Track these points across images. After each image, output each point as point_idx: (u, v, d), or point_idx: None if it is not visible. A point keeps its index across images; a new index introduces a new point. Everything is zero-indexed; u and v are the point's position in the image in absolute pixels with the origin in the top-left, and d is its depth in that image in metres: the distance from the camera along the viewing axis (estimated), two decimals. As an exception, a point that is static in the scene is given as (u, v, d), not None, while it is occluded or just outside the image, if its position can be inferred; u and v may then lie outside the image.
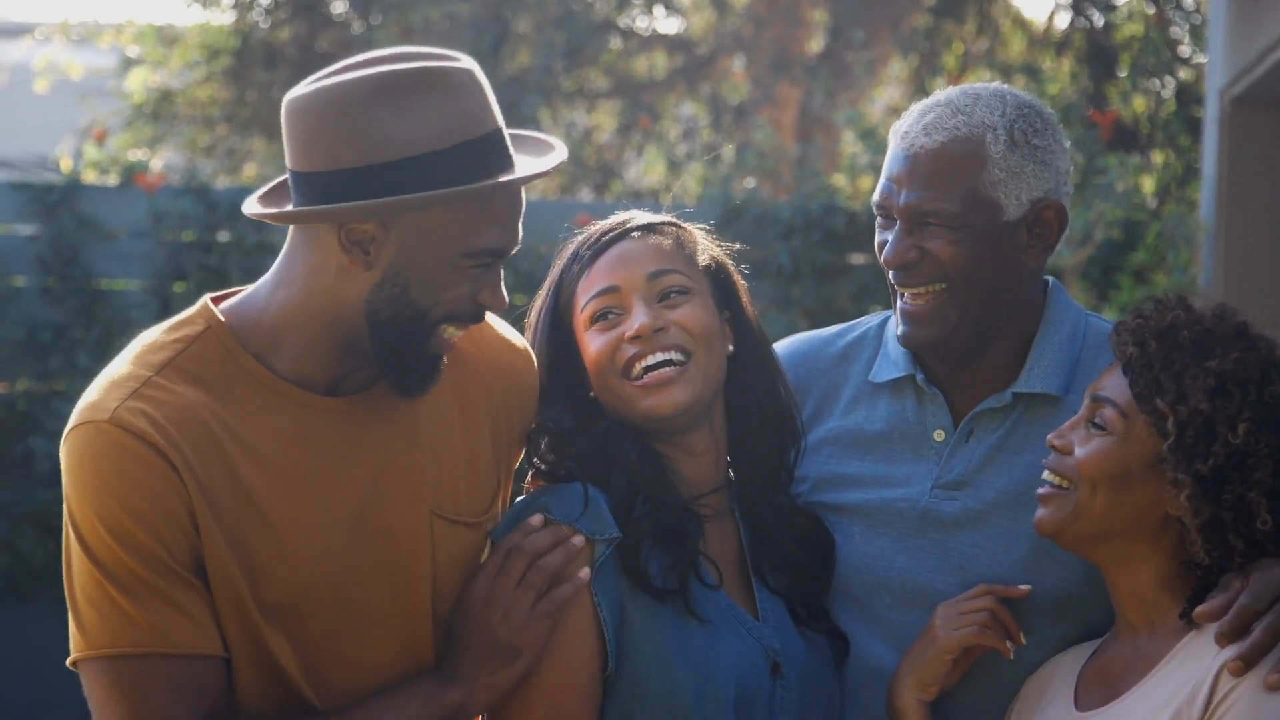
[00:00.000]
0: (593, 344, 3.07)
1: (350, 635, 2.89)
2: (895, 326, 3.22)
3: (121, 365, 2.84)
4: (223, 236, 8.87)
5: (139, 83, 13.80)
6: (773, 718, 3.05)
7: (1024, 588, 3.04)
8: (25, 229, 8.90)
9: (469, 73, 2.82)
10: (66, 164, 9.29)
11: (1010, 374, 3.20)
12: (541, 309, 3.15)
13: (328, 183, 2.77)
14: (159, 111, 13.56)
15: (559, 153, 2.93)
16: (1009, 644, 3.02)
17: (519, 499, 3.09)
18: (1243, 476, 2.79)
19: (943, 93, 3.21)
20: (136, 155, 11.62)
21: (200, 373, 2.82)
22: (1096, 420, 2.89)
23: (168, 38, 13.88)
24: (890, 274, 3.17)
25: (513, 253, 2.88)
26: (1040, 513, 2.93)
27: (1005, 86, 3.21)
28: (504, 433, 3.10)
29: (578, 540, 2.96)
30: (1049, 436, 2.97)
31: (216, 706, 2.78)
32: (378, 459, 2.92)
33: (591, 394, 3.12)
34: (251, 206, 2.88)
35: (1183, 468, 2.80)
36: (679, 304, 3.07)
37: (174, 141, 13.70)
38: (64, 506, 2.80)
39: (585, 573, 2.96)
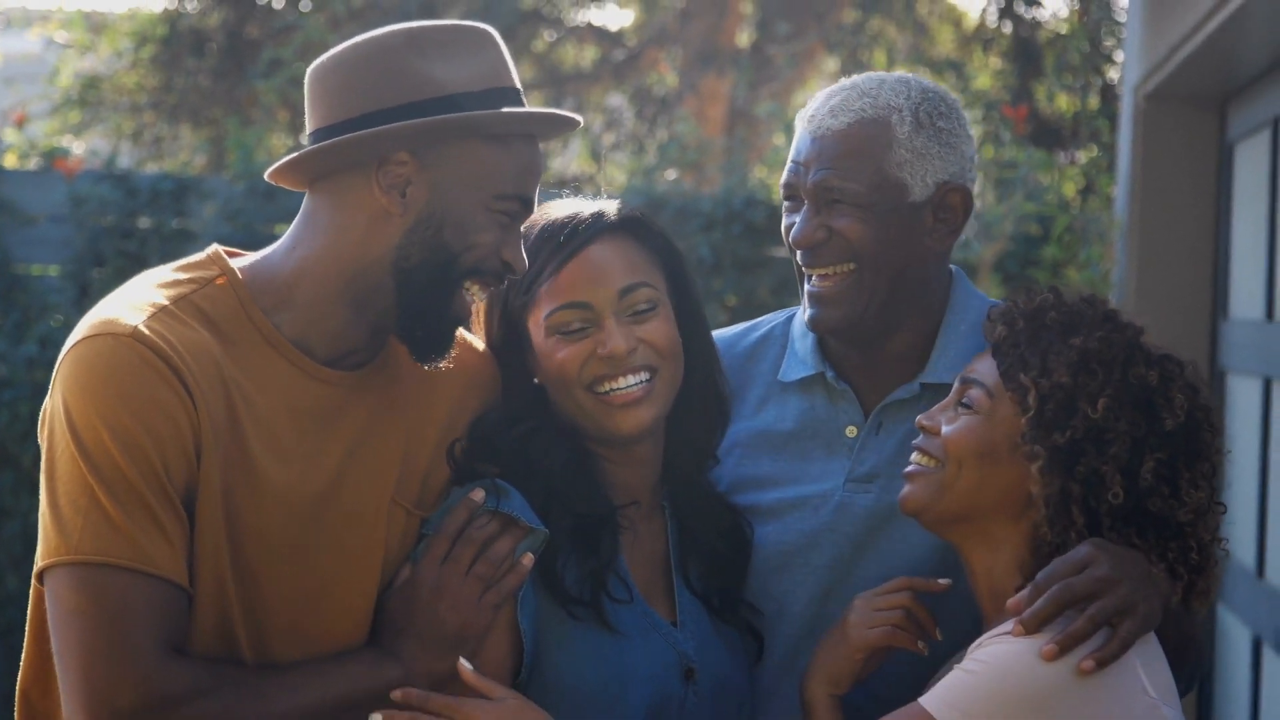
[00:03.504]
0: (557, 353, 3.04)
1: (300, 604, 2.90)
2: (803, 311, 3.23)
3: (135, 292, 2.86)
4: (143, 222, 8.82)
5: (66, 68, 13.73)
6: None
7: (943, 581, 3.04)
8: (-57, 213, 8.85)
9: (493, 35, 2.94)
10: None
11: (917, 364, 3.23)
12: (494, 301, 3.11)
13: (365, 122, 2.85)
14: (86, 98, 13.49)
15: (578, 119, 3.02)
16: (922, 644, 3.02)
17: (450, 497, 3.05)
18: (1098, 450, 2.82)
19: (848, 79, 3.25)
20: (63, 141, 11.56)
21: (212, 314, 2.86)
22: (964, 400, 2.92)
23: (96, 24, 13.81)
24: (798, 255, 3.19)
25: (531, 214, 2.96)
26: (905, 490, 2.95)
27: (910, 74, 3.25)
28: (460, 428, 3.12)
29: (522, 530, 2.96)
30: (918, 418, 2.99)
31: (178, 639, 2.77)
32: (354, 437, 2.95)
33: (535, 381, 3.10)
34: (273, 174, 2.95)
35: (1040, 439, 2.83)
36: (647, 319, 3.06)
37: (101, 128, 13.63)
38: (55, 413, 2.78)
39: (529, 559, 2.96)
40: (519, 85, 2.95)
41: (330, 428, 2.93)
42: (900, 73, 3.26)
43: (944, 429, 2.92)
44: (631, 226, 3.09)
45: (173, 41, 13.44)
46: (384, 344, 2.98)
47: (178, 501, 2.77)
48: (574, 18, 14.85)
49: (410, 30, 2.89)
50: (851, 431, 3.24)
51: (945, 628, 3.03)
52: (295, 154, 2.90)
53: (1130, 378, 2.86)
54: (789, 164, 3.21)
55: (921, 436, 2.96)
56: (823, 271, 3.17)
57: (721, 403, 3.22)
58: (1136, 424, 2.84)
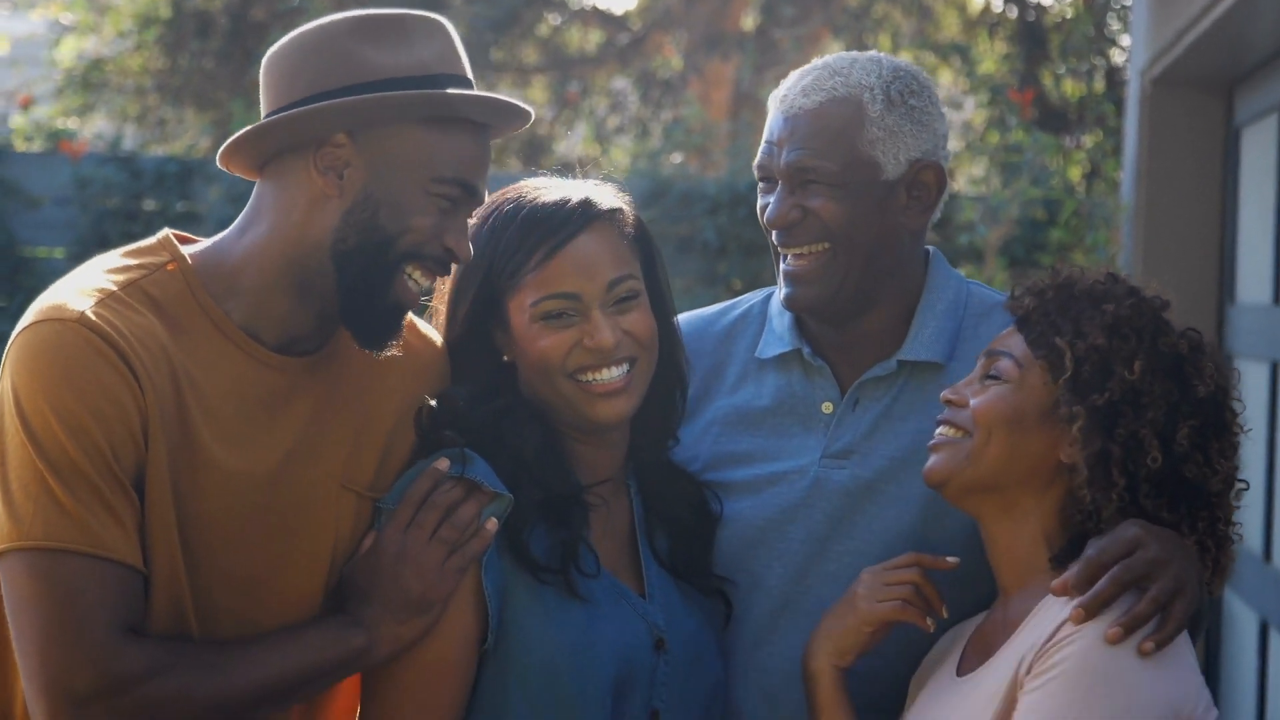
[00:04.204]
0: (540, 340, 3.05)
1: (247, 588, 2.92)
2: (779, 290, 3.25)
3: (84, 278, 2.87)
4: (148, 205, 8.82)
5: (70, 50, 13.72)
6: (653, 693, 3.07)
7: (952, 559, 3.03)
8: (-52, 195, 8.86)
9: (442, 24, 2.94)
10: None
11: (893, 342, 3.25)
12: (471, 278, 3.10)
13: (304, 105, 2.87)
14: (89, 80, 13.47)
15: (526, 109, 3.00)
16: (930, 620, 3.01)
17: (410, 470, 3.06)
18: (1136, 414, 2.84)
19: (820, 59, 3.27)
20: (67, 123, 11.56)
21: (161, 300, 2.87)
22: (992, 372, 2.94)
23: (100, 5, 13.79)
24: (773, 235, 3.20)
25: (479, 204, 2.95)
26: (931, 460, 2.95)
27: (883, 54, 3.27)
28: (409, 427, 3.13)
29: (486, 490, 2.97)
30: (943, 393, 2.99)
31: (134, 620, 2.78)
32: (303, 423, 2.96)
33: (505, 359, 3.11)
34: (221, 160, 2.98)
35: (1078, 400, 2.85)
36: (630, 309, 3.07)
37: (105, 110, 13.62)
38: (4, 398, 2.79)
39: (493, 523, 2.96)
40: (468, 74, 2.96)
41: (278, 413, 2.94)
42: (873, 52, 3.28)
43: (972, 401, 2.93)
44: (616, 215, 3.10)
45: (177, 24, 13.42)
46: (334, 331, 2.99)
47: (128, 484, 2.78)
48: (579, 1, 14.84)
49: (359, 16, 2.90)
50: (828, 407, 3.26)
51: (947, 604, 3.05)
52: (236, 135, 2.92)
53: (1160, 345, 2.88)
54: (763, 144, 3.23)
55: (946, 410, 2.97)
56: (798, 251, 3.18)
57: (683, 386, 3.24)
58: (1170, 390, 2.86)
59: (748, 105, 13.27)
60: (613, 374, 3.05)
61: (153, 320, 2.84)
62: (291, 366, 2.95)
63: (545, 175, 3.18)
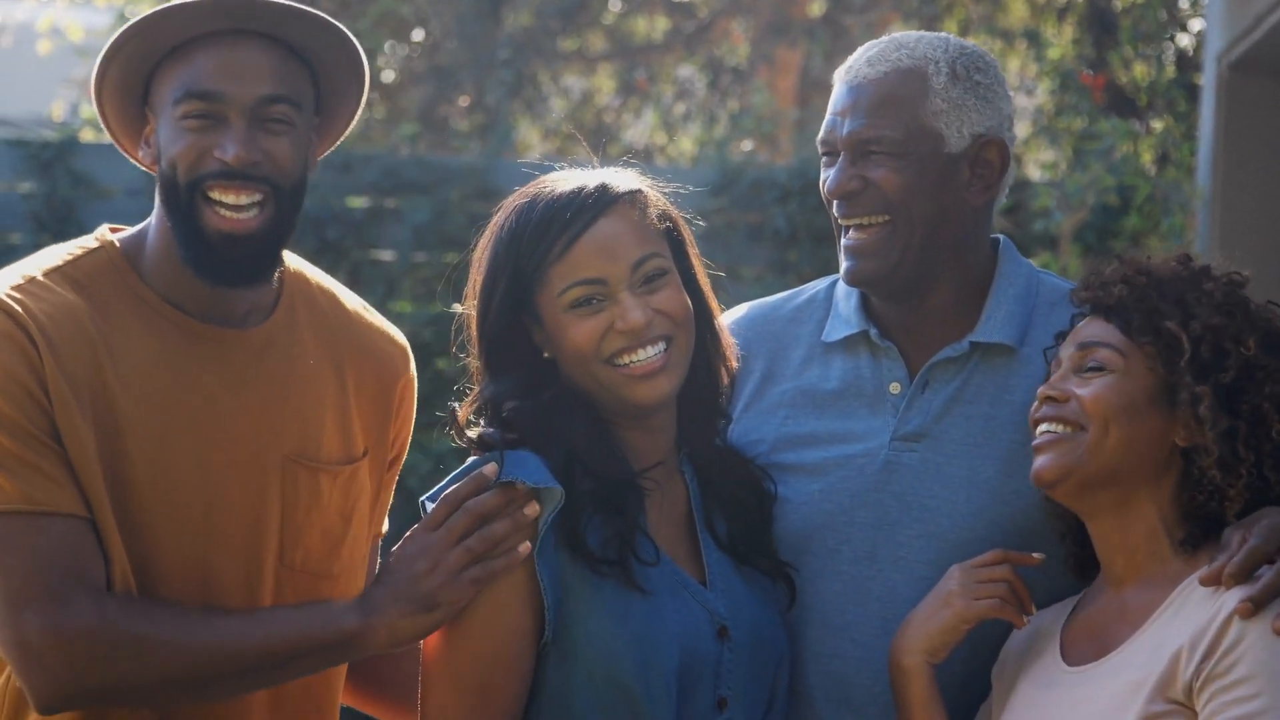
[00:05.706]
0: (572, 329, 3.04)
1: (188, 558, 3.00)
2: (841, 266, 3.24)
3: (17, 266, 3.05)
4: (217, 195, 8.85)
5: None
6: (718, 682, 3.05)
7: (1038, 555, 3.04)
8: (21, 186, 8.90)
9: None
10: (58, 113, 9.28)
11: (960, 325, 3.23)
12: (497, 279, 3.08)
13: None
14: (157, 70, 13.53)
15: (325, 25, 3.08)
16: (1026, 617, 3.02)
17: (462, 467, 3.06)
18: (1256, 388, 2.86)
19: (887, 35, 3.29)
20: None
21: (85, 282, 3.02)
22: (1091, 364, 2.93)
23: (165, -2, 13.87)
24: (834, 207, 3.20)
25: (240, 100, 3.01)
26: (1041, 461, 2.94)
27: (949, 34, 3.29)
28: (369, 410, 3.23)
29: (530, 511, 2.95)
30: (1041, 389, 2.98)
31: (85, 567, 2.90)
32: (242, 395, 3.05)
33: (545, 355, 3.10)
34: None
35: (1201, 380, 2.86)
36: (659, 287, 3.06)
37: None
38: None
39: (526, 547, 2.95)
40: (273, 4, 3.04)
41: (217, 384, 3.04)
42: (940, 33, 3.29)
43: (1079, 392, 2.92)
44: (635, 196, 3.09)
45: (243, 14, 13.45)
46: (255, 301, 3.10)
47: (50, 442, 2.90)
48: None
49: None
50: (895, 388, 3.24)
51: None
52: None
53: (1259, 321, 2.91)
54: (826, 118, 3.24)
55: (1046, 407, 2.95)
56: (858, 222, 3.18)
57: (726, 363, 3.22)
58: (1278, 365, 2.90)
59: (816, 92, 13.24)
60: (649, 353, 3.03)
61: (73, 299, 2.98)
62: (225, 338, 3.06)
63: (569, 166, 3.16)
